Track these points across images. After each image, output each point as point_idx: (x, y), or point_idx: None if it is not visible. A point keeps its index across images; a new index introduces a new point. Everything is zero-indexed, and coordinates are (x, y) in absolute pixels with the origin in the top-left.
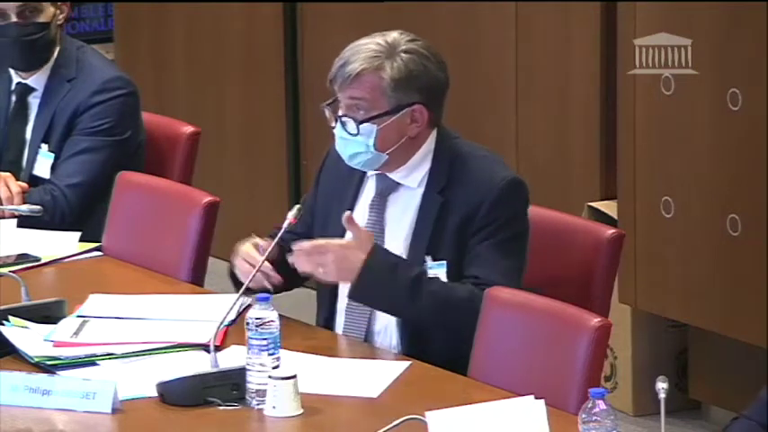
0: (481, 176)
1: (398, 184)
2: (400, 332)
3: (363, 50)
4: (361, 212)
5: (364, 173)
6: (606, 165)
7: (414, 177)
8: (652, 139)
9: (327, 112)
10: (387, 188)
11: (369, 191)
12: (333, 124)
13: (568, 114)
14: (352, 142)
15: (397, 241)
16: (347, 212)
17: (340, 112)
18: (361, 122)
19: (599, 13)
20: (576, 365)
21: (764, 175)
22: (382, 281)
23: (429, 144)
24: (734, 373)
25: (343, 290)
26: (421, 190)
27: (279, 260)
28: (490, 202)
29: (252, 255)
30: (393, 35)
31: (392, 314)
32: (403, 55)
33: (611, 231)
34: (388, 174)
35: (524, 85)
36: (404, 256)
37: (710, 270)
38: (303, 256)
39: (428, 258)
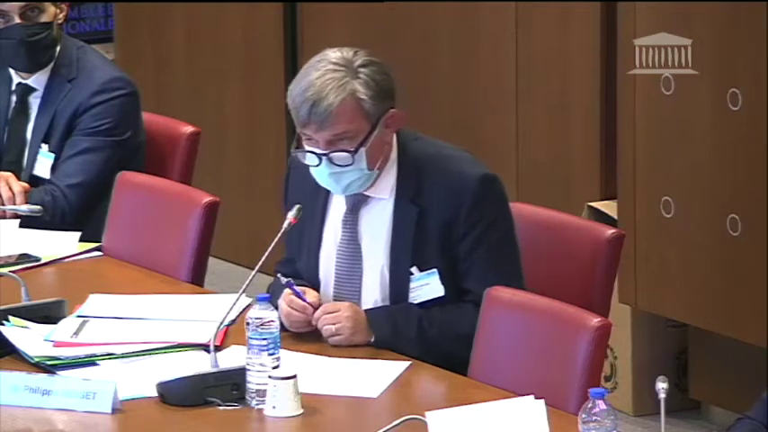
0: (453, 178)
1: (368, 196)
2: None
3: (325, 82)
4: (333, 229)
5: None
6: (606, 165)
7: (382, 188)
8: (652, 139)
9: (305, 156)
10: (357, 203)
11: (336, 206)
12: (316, 163)
13: (568, 114)
14: (346, 173)
15: (376, 256)
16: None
17: (319, 150)
18: (356, 151)
19: (599, 13)
20: (576, 365)
21: (764, 175)
22: (391, 327)
23: (392, 151)
24: (734, 373)
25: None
26: (392, 200)
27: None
28: (469, 204)
29: (297, 300)
30: (332, 56)
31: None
32: (363, 69)
33: (611, 231)
34: None
35: (524, 85)
36: (386, 270)
37: (710, 270)
38: (319, 321)
39: (414, 269)
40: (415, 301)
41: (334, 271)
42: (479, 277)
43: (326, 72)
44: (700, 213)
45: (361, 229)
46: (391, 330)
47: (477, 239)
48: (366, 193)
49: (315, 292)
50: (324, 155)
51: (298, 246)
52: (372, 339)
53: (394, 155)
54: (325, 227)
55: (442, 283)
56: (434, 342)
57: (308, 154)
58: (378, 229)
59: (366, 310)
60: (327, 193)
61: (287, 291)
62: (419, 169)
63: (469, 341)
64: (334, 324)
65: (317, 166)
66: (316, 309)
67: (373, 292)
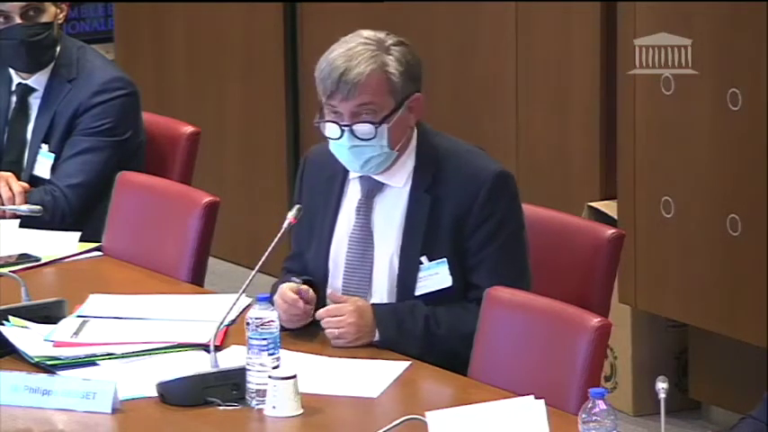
0: (468, 172)
1: (383, 184)
2: None
3: (357, 52)
4: (346, 218)
5: (345, 176)
6: (606, 165)
7: (398, 176)
8: (652, 139)
9: (327, 126)
10: (372, 190)
11: (352, 193)
12: (337, 135)
13: (568, 114)
14: (367, 148)
15: (388, 243)
16: (330, 292)
17: (343, 122)
18: (380, 124)
19: (599, 13)
20: (576, 365)
21: (764, 175)
22: (396, 334)
23: (412, 141)
24: (734, 373)
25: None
26: (407, 189)
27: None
28: (482, 198)
29: (289, 294)
30: (365, 34)
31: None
32: (395, 48)
33: (611, 231)
34: (372, 175)
35: (524, 85)
36: (396, 258)
37: (710, 270)
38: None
39: (424, 259)
40: (422, 291)
41: (345, 257)
42: (488, 273)
43: (359, 45)
44: (700, 213)
45: (375, 216)
46: (396, 329)
47: (488, 235)
48: (381, 180)
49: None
50: (347, 126)
51: (307, 237)
52: (377, 338)
53: (413, 145)
54: (339, 215)
55: (450, 275)
56: (440, 342)
57: (331, 125)
58: (391, 216)
59: (373, 306)
60: (343, 182)
61: (281, 287)
62: (436, 161)
63: (468, 338)
64: (337, 328)
65: (339, 138)
66: (307, 302)
67: (382, 279)
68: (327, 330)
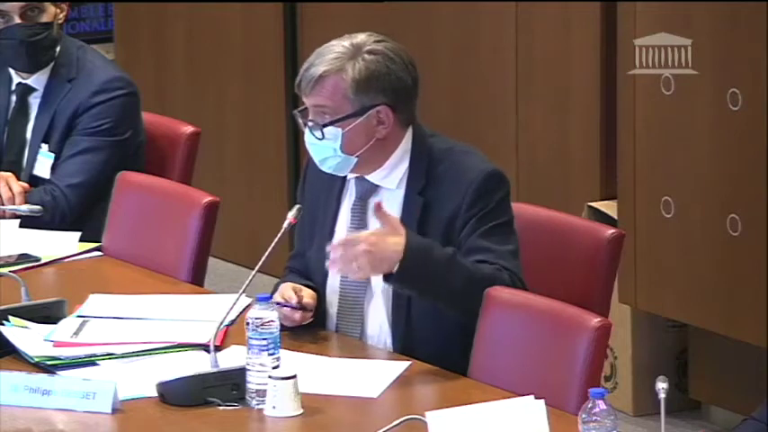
0: (460, 172)
1: (378, 186)
2: (392, 335)
3: (327, 53)
4: (346, 216)
5: (346, 176)
6: (606, 165)
7: (392, 178)
8: (652, 139)
9: (299, 119)
10: (367, 191)
11: (351, 194)
12: (303, 130)
13: (568, 114)
14: (320, 147)
15: None
16: (376, 201)
17: (299, 114)
18: (324, 126)
19: (599, 13)
20: (576, 365)
21: (764, 175)
22: (422, 264)
23: (405, 144)
24: (734, 373)
25: (332, 295)
26: (401, 191)
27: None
28: (471, 196)
29: (289, 295)
30: (361, 36)
31: (426, 296)
32: (366, 56)
33: (611, 231)
34: (366, 176)
35: (524, 85)
36: None
37: (710, 270)
38: (336, 255)
39: None
40: None
41: None
42: (478, 254)
43: (335, 46)
44: (700, 213)
45: (369, 218)
46: (427, 250)
47: (473, 227)
48: (375, 182)
49: (310, 293)
50: (306, 123)
51: (309, 236)
52: (404, 252)
53: (407, 146)
54: (339, 215)
55: None
56: (461, 269)
57: (298, 116)
58: None
59: (407, 235)
60: (343, 182)
61: (282, 286)
62: (430, 163)
63: (486, 285)
64: (353, 262)
65: (304, 132)
66: (300, 308)
67: (379, 278)
68: (344, 268)
